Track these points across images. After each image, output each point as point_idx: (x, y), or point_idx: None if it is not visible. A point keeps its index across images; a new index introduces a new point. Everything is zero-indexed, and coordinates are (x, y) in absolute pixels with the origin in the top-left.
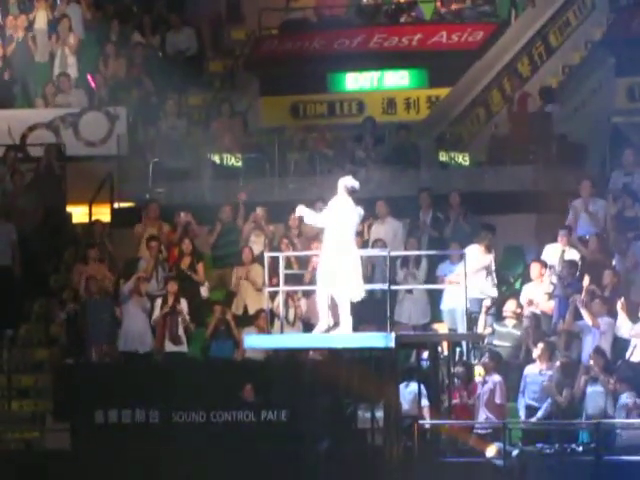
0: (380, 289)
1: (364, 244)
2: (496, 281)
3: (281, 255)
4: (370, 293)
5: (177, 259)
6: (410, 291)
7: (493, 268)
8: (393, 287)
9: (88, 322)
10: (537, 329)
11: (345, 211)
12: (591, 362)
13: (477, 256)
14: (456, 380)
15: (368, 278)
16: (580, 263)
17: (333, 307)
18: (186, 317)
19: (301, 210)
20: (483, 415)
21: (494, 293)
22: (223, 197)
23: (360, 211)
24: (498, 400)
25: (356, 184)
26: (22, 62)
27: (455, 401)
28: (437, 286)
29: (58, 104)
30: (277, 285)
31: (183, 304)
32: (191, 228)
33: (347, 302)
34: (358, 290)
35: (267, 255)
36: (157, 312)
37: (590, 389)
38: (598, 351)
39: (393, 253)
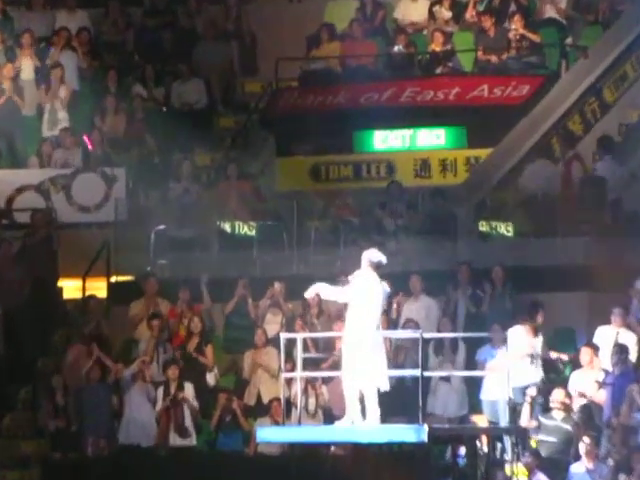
0: (411, 376)
1: (392, 325)
2: (542, 367)
3: (299, 337)
4: (400, 381)
5: (183, 340)
6: (445, 378)
7: (539, 352)
8: (426, 373)
9: (83, 412)
10: (589, 422)
11: (369, 287)
12: None
13: (523, 339)
14: None
15: (398, 363)
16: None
17: (360, 398)
18: (193, 404)
19: (316, 287)
20: None
21: (540, 381)
22: (234, 270)
23: (386, 287)
24: None
25: (382, 258)
26: (7, 116)
27: None
28: (476, 373)
29: (54, 163)
30: (294, 370)
31: (189, 389)
32: (198, 305)
33: (374, 391)
34: (385, 377)
35: (283, 337)
36: (160, 402)
37: None
38: None
39: (426, 335)
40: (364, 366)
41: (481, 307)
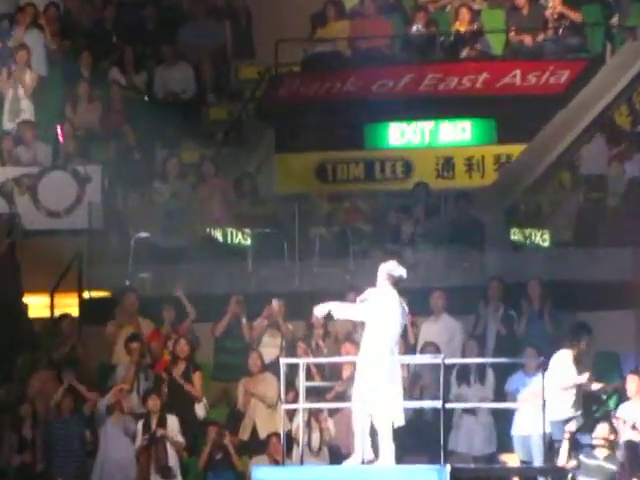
0: (431, 408)
1: (408, 349)
2: (583, 399)
3: (301, 362)
4: (418, 414)
5: (167, 365)
6: (470, 411)
7: (582, 382)
8: (448, 405)
9: (52, 448)
10: (635, 461)
11: (388, 306)
12: None
13: (568, 366)
14: None
15: (415, 394)
16: None
17: (372, 433)
18: (178, 440)
19: (328, 305)
20: None
21: (581, 415)
22: (226, 285)
23: (405, 306)
24: None
25: (403, 272)
26: None
27: None
28: (506, 405)
29: (18, 161)
30: (295, 401)
31: (173, 423)
32: (183, 325)
33: (388, 426)
34: (401, 410)
35: (283, 362)
36: (139, 437)
37: None
38: None
39: (449, 360)
40: (377, 397)
41: (514, 328)
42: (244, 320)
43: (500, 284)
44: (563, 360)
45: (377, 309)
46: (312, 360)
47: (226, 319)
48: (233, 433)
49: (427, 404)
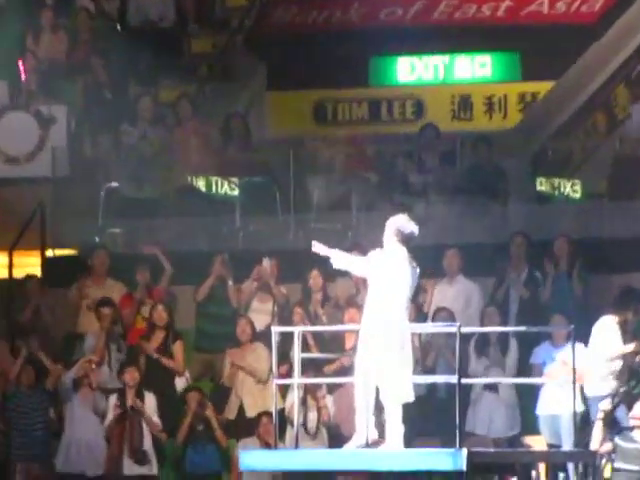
0: (445, 383)
1: (419, 316)
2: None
3: (296, 330)
4: (430, 390)
5: (142, 334)
6: (491, 387)
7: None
8: (464, 380)
9: (10, 427)
10: None
11: (397, 267)
12: None
13: (612, 336)
14: None
15: (427, 367)
16: None
17: (377, 411)
18: (155, 421)
19: (325, 250)
20: None
21: (618, 391)
22: (210, 242)
23: (416, 267)
24: None
25: (414, 228)
26: None
27: None
28: (532, 380)
29: None
30: (290, 375)
31: (149, 401)
32: (158, 288)
33: (397, 404)
34: (410, 385)
35: (275, 330)
36: (110, 415)
37: None
38: None
39: (465, 329)
40: (384, 369)
41: (539, 292)
42: (230, 282)
43: (524, 241)
44: (608, 327)
45: (384, 268)
46: (309, 328)
47: (210, 281)
48: (218, 411)
49: (440, 379)
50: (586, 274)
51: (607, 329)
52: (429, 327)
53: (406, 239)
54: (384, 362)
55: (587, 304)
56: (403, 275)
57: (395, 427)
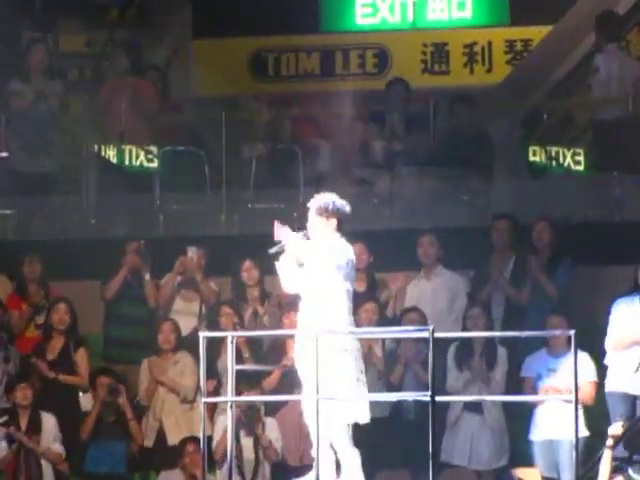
0: (415, 402)
1: (382, 320)
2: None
3: (230, 336)
4: (396, 410)
5: (37, 343)
6: (473, 407)
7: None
8: (439, 398)
9: None
10: None
11: (325, 254)
12: None
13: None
14: None
15: (393, 382)
16: None
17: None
18: (55, 450)
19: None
20: None
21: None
22: (123, 227)
23: (350, 253)
24: None
25: (345, 204)
26: None
27: None
28: (524, 398)
29: None
30: (220, 392)
31: (49, 424)
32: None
33: (344, 428)
34: (365, 403)
35: (203, 336)
36: (2, 445)
37: None
38: None
39: (440, 334)
40: (327, 385)
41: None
42: (147, 276)
43: (509, 225)
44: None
45: (310, 259)
46: (247, 334)
47: (121, 275)
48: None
49: (409, 396)
50: (589, 267)
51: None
52: (393, 331)
53: (334, 218)
54: (330, 377)
55: (590, 304)
56: (337, 266)
57: (347, 457)
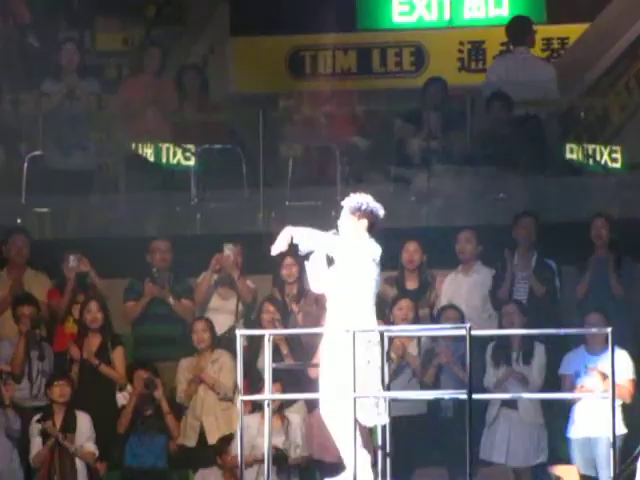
0: (453, 400)
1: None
2: None
3: (267, 334)
4: (434, 408)
5: (73, 339)
6: (510, 404)
7: None
8: (477, 396)
9: None
10: None
11: (355, 255)
12: None
13: None
14: None
15: (429, 379)
16: None
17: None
18: (89, 449)
19: (284, 237)
20: None
21: None
22: (160, 225)
23: (375, 252)
24: None
25: (372, 204)
26: None
27: None
28: (562, 395)
29: None
30: (260, 391)
31: (83, 423)
32: (91, 282)
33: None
34: (381, 404)
35: (240, 334)
36: (37, 442)
37: None
38: None
39: (477, 332)
40: (335, 387)
41: (556, 286)
42: (171, 300)
43: (534, 222)
44: None
45: (341, 260)
46: (282, 332)
47: (144, 302)
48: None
49: (446, 394)
50: (629, 263)
51: None
52: (430, 329)
53: (365, 218)
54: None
55: (630, 302)
56: (362, 264)
57: (358, 457)
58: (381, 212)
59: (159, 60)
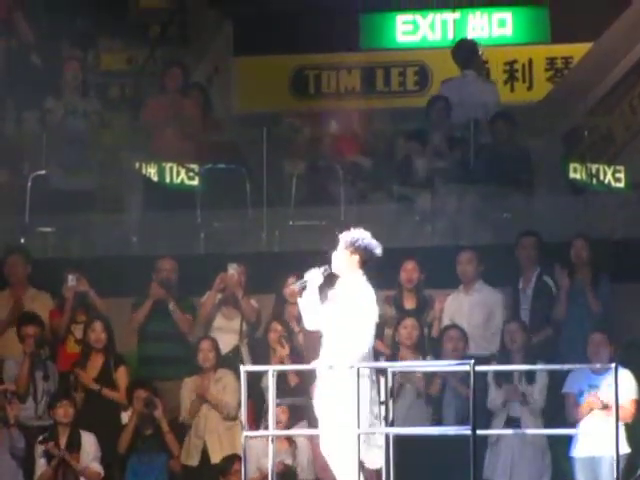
0: (456, 417)
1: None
2: None
3: (270, 370)
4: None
5: (76, 359)
6: (514, 423)
7: None
8: (481, 432)
9: None
10: None
11: (349, 298)
12: None
13: None
14: None
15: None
16: None
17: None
18: (94, 469)
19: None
20: None
21: None
22: (164, 244)
23: (370, 298)
24: None
25: (367, 241)
26: None
27: None
28: (564, 431)
29: None
30: (259, 421)
31: (88, 443)
32: (91, 302)
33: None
34: (377, 446)
35: (244, 370)
36: (42, 463)
37: None
38: None
39: (481, 368)
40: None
41: (552, 304)
42: (171, 306)
43: (536, 242)
44: None
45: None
46: (284, 368)
47: (147, 306)
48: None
49: (450, 430)
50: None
51: None
52: (433, 365)
53: (358, 254)
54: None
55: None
56: (358, 308)
57: None
58: (377, 250)
59: (182, 79)
